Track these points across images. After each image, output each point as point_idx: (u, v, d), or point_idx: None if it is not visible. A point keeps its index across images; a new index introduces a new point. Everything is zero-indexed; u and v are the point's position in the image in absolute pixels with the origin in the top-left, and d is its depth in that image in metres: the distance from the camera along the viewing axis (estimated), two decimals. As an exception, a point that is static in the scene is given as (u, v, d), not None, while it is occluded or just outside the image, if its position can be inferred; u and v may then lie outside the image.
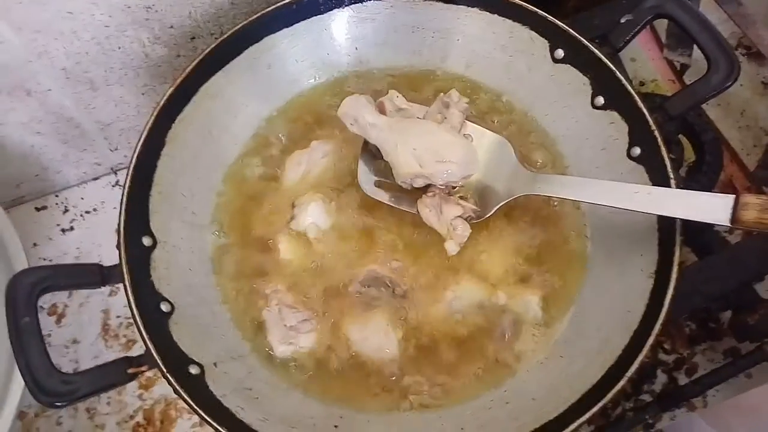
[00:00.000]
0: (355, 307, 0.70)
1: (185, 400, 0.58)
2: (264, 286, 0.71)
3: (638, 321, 0.62)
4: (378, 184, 0.74)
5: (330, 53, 0.83)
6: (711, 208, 0.58)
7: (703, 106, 0.85)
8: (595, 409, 0.57)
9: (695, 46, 0.71)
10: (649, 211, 0.62)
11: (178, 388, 0.58)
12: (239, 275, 0.73)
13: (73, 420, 0.84)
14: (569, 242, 0.73)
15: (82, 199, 1.00)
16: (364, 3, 0.81)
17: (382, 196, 0.73)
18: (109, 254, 0.93)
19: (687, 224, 0.64)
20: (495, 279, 0.71)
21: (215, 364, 0.65)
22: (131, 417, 0.84)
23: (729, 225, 0.56)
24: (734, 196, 0.56)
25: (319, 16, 0.80)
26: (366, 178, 0.73)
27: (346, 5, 0.81)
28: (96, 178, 1.02)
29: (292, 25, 0.79)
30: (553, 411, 0.60)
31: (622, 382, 0.58)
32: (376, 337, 0.68)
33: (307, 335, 0.68)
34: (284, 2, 0.77)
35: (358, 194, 0.74)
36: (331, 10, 0.80)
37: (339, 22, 0.81)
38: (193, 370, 0.62)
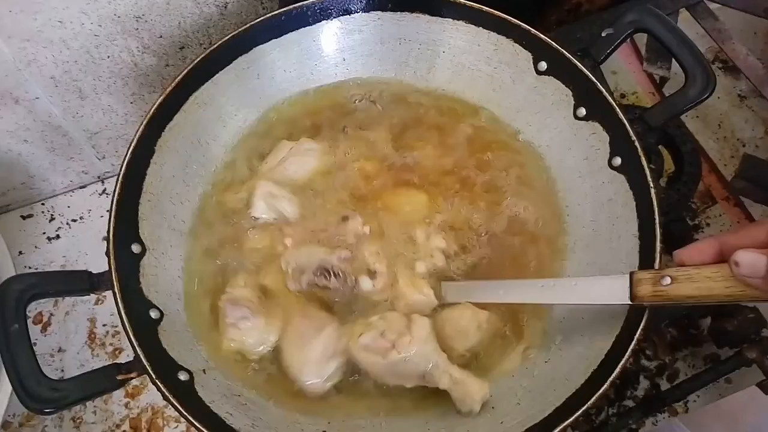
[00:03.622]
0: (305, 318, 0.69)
1: (175, 407, 0.58)
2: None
3: (621, 326, 0.63)
4: None
5: (318, 63, 0.84)
6: (611, 291, 0.58)
7: (683, 118, 0.87)
8: (579, 412, 0.58)
9: (673, 60, 0.73)
10: (555, 303, 0.67)
11: (167, 394, 0.58)
12: (212, 287, 0.72)
13: (59, 429, 0.83)
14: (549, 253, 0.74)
15: (69, 207, 1.00)
16: (352, 15, 0.82)
17: None
18: (95, 262, 0.92)
19: (667, 230, 0.65)
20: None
21: (204, 371, 0.65)
22: (117, 426, 0.84)
23: (630, 303, 0.57)
24: (629, 274, 0.57)
25: (307, 27, 0.81)
26: None
27: (334, 17, 0.81)
28: (83, 187, 1.02)
29: (280, 36, 0.80)
30: (538, 414, 0.61)
31: (605, 386, 0.59)
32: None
33: (249, 331, 0.68)
34: (273, 13, 0.78)
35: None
36: (319, 21, 0.81)
37: (327, 33, 0.82)
38: (182, 376, 0.62)
